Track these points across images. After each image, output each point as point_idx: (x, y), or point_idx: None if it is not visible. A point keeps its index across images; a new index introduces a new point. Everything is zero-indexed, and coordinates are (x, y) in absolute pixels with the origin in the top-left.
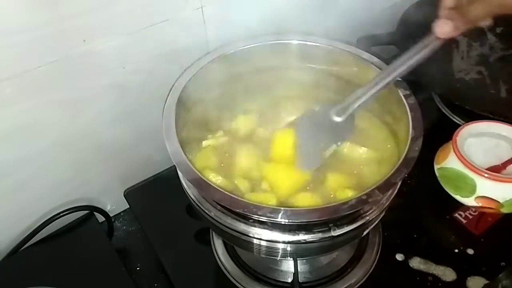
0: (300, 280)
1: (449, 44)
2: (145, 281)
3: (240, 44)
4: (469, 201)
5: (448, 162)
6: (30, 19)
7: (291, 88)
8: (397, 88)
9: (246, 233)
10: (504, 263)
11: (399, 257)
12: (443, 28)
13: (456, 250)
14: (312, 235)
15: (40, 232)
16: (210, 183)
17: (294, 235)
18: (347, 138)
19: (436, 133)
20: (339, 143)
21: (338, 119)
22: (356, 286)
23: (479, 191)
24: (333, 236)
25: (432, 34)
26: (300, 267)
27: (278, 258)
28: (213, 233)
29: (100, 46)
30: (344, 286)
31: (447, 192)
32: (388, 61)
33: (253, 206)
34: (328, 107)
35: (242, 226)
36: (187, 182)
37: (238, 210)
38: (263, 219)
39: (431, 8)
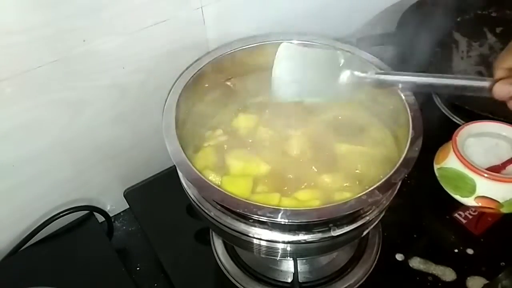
0: (300, 280)
1: (449, 44)
2: (145, 281)
3: (240, 44)
4: (469, 201)
5: (448, 162)
6: (30, 19)
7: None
8: (397, 88)
9: (246, 233)
10: (504, 263)
11: (399, 257)
12: (502, 92)
13: (456, 250)
14: (312, 235)
15: (40, 232)
16: (210, 183)
17: (294, 235)
18: (334, 100)
19: (436, 133)
20: (323, 99)
21: (345, 74)
22: (356, 286)
23: (479, 191)
24: (333, 236)
25: (489, 80)
26: (300, 267)
27: (278, 258)
28: (213, 233)
29: (100, 46)
30: (344, 286)
31: (447, 192)
32: (387, 61)
33: (253, 206)
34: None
35: (242, 226)
36: (187, 182)
37: (238, 210)
38: (263, 219)
39: (431, 8)
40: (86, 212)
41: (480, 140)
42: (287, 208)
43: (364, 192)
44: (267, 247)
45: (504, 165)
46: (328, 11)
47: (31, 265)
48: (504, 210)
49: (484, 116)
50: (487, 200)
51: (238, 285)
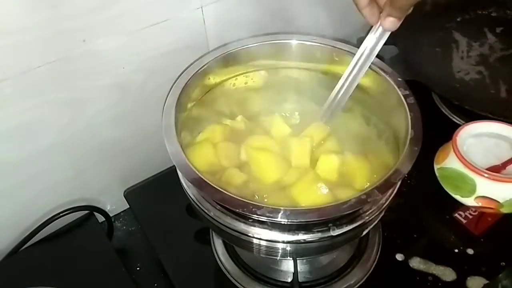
0: (300, 280)
1: (449, 44)
2: (145, 281)
3: (240, 44)
4: (469, 201)
5: (448, 162)
6: (30, 19)
7: (290, 88)
8: (397, 88)
9: (246, 233)
10: (504, 263)
11: (399, 257)
12: (386, 24)
13: (456, 250)
14: (311, 235)
15: (40, 232)
16: (210, 183)
17: (293, 235)
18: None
19: (436, 133)
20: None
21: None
22: (356, 286)
23: (479, 191)
24: (332, 236)
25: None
26: (299, 267)
27: (278, 258)
28: (213, 233)
29: (100, 46)
30: (344, 286)
31: (447, 192)
32: (387, 61)
33: (252, 206)
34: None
35: (241, 226)
36: (187, 182)
37: (237, 210)
38: (263, 218)
39: (431, 8)
40: (86, 212)
41: (480, 140)
42: (287, 208)
43: (363, 192)
44: (267, 247)
45: (504, 165)
46: (328, 10)
47: (31, 265)
48: (504, 210)
49: (484, 116)
50: (487, 200)
51: (238, 285)
